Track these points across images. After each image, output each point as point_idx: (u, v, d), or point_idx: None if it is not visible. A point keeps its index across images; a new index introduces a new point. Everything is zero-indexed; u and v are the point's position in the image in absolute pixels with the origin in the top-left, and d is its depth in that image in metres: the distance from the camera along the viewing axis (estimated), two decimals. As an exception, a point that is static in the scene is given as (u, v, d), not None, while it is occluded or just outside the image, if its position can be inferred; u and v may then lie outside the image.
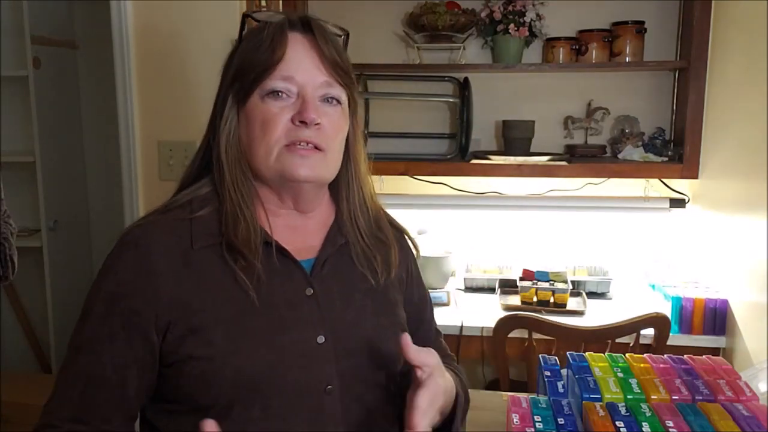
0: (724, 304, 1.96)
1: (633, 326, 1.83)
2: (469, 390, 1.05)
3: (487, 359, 2.06)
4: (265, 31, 0.86)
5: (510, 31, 2.23)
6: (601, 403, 0.89)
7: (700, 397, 0.90)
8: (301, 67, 0.86)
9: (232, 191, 0.86)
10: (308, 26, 0.87)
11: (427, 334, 1.07)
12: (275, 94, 0.85)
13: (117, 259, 0.84)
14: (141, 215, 2.24)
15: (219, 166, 0.88)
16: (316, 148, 0.86)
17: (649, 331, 1.87)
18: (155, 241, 0.84)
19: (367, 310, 0.92)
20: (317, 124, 0.85)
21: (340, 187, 0.94)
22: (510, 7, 2.24)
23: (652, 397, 0.90)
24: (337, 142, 0.89)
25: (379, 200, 1.01)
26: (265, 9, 0.86)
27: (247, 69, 0.86)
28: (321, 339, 0.85)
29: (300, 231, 0.92)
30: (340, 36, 0.92)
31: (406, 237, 1.04)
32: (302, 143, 0.85)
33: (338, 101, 0.89)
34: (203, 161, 0.92)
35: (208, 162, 0.91)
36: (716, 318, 1.96)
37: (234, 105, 0.88)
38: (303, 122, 0.84)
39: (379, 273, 0.93)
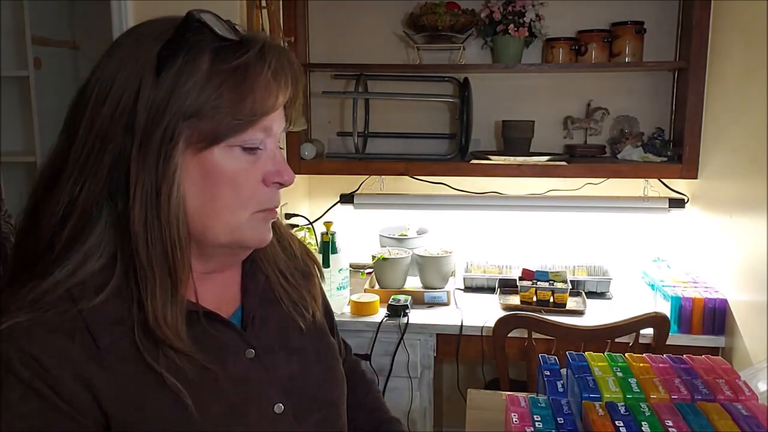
0: (723, 303, 1.96)
1: (632, 326, 1.83)
2: (469, 390, 1.05)
3: (487, 359, 2.06)
4: (252, 62, 0.66)
5: (510, 31, 2.23)
6: (600, 403, 0.89)
7: (700, 397, 0.90)
8: (276, 113, 0.69)
9: (158, 271, 0.65)
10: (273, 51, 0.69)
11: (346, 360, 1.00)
12: (252, 148, 0.67)
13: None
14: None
15: (133, 241, 0.65)
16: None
17: (648, 331, 1.88)
18: (46, 348, 0.61)
19: (309, 353, 0.81)
20: None
21: None
22: (510, 8, 2.24)
23: (652, 396, 0.90)
24: None
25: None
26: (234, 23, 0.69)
27: (221, 111, 0.64)
28: (279, 408, 0.74)
29: (216, 280, 0.76)
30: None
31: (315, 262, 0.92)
32: (271, 209, 0.71)
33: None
34: (80, 220, 0.66)
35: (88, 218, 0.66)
36: (715, 318, 1.96)
37: (181, 154, 0.65)
38: (279, 184, 0.69)
39: (309, 311, 0.82)
